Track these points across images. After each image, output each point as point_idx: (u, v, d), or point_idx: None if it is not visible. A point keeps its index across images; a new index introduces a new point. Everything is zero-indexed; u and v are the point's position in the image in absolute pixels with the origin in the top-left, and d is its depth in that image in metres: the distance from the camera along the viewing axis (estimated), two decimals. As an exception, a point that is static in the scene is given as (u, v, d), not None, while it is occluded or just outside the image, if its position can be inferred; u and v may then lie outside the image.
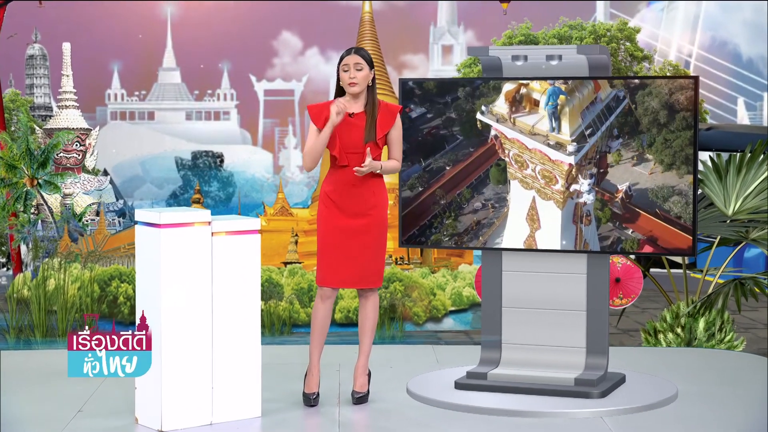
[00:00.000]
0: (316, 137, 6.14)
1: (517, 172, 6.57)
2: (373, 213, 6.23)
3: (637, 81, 6.38)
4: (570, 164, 6.43)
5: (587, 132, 6.42)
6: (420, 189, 6.70)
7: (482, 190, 6.63)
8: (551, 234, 6.54)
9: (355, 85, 6.14)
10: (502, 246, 6.63)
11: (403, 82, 6.78)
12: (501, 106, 6.56)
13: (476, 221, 6.64)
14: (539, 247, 6.57)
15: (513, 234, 6.60)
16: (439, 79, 6.78)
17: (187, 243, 5.77)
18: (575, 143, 6.42)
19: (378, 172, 6.17)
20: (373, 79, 6.22)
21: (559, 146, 6.45)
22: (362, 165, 6.11)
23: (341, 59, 6.20)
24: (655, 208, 6.38)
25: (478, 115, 6.58)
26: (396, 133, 6.25)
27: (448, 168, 6.65)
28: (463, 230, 6.67)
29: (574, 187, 6.46)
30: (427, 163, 6.67)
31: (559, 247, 6.54)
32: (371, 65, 6.21)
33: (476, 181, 6.62)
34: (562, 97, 6.42)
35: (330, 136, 6.14)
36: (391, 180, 13.28)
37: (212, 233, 5.85)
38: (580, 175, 6.45)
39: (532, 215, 6.57)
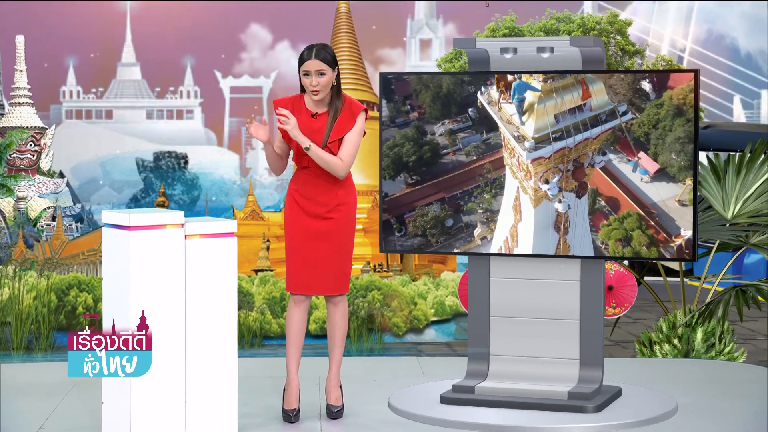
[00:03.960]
0: (275, 145, 6.17)
1: (508, 158, 6.62)
2: (336, 215, 6.22)
3: (635, 74, 6.44)
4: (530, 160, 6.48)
5: (554, 135, 6.46)
6: (474, 157, 6.71)
7: None
8: (527, 234, 6.57)
9: (318, 93, 6.13)
10: (491, 250, 6.67)
11: (383, 77, 6.81)
12: (494, 89, 6.60)
13: None
14: (521, 248, 6.59)
15: (500, 226, 6.64)
16: (420, 72, 6.80)
17: (158, 246, 5.76)
18: (534, 141, 6.47)
19: (308, 153, 6.08)
20: (338, 77, 6.19)
21: (521, 139, 6.50)
22: (288, 120, 6.04)
23: (301, 60, 6.15)
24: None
25: (478, 95, 6.63)
26: (351, 133, 6.21)
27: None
28: (497, 209, 6.67)
29: (544, 187, 6.51)
30: (488, 137, 6.68)
31: (532, 250, 6.57)
32: (334, 65, 6.14)
33: None
34: (534, 93, 6.46)
35: (290, 139, 6.17)
36: (372, 182, 13.31)
37: (185, 236, 5.85)
38: (542, 176, 6.48)
39: (516, 206, 6.62)
